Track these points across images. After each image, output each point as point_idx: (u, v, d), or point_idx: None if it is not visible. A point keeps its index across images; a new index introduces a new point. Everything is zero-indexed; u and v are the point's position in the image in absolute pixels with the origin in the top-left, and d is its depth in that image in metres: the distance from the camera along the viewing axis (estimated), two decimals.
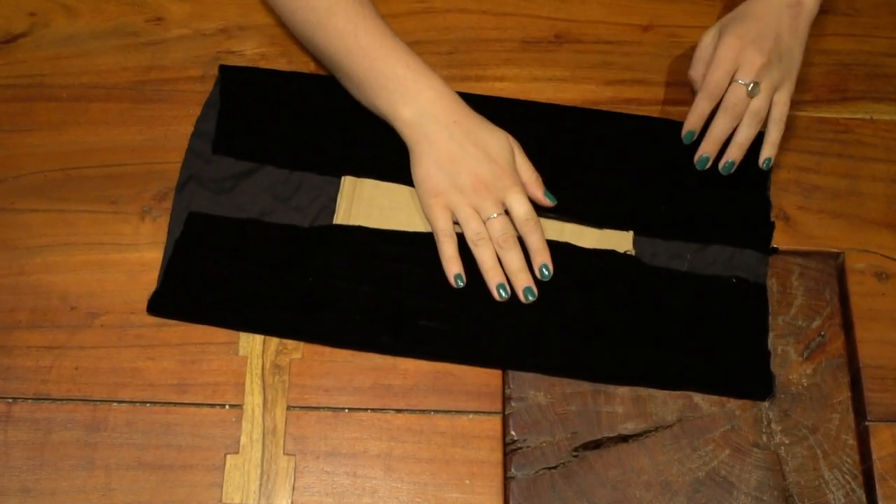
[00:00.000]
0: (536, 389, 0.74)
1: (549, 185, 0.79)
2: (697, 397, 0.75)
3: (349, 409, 0.74)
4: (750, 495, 0.72)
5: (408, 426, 0.73)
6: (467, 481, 0.72)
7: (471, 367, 0.75)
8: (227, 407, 0.73)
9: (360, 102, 0.80)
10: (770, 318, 0.78)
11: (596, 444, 0.73)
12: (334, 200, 0.80)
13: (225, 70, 0.84)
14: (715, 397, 0.75)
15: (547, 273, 0.77)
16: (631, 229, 0.80)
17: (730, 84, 0.79)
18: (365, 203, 0.80)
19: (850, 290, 0.79)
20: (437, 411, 0.74)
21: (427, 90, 0.76)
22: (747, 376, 0.75)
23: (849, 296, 0.79)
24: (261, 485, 0.71)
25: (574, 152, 0.83)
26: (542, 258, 0.77)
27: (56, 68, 0.84)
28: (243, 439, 0.72)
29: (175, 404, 0.73)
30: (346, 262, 0.77)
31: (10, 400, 0.72)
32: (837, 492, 0.72)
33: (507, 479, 0.72)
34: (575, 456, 0.72)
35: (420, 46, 0.85)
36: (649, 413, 0.74)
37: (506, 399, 0.74)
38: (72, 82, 0.84)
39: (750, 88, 0.78)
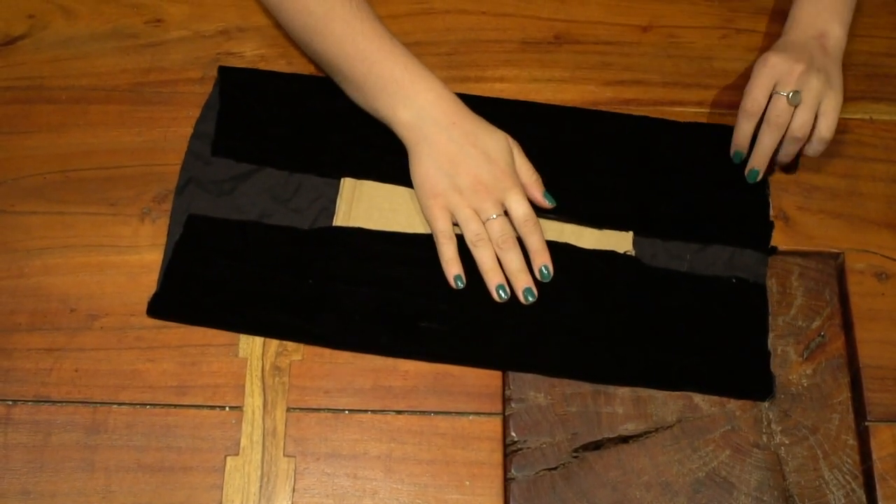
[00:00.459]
0: (536, 390, 0.74)
1: (549, 185, 0.79)
2: (697, 398, 0.75)
3: (349, 410, 0.74)
4: (750, 496, 0.72)
5: (408, 427, 0.73)
6: (467, 482, 0.72)
7: (471, 368, 0.75)
8: (227, 409, 0.73)
9: (360, 105, 0.80)
10: (770, 318, 0.78)
11: (596, 445, 0.73)
12: (334, 202, 0.80)
13: (224, 71, 0.84)
14: (715, 398, 0.75)
15: (547, 274, 0.77)
16: (631, 230, 0.80)
17: (770, 98, 0.79)
18: (364, 205, 0.80)
19: (849, 291, 0.79)
20: (437, 413, 0.74)
21: (426, 92, 0.76)
22: (747, 377, 0.75)
23: (849, 296, 0.79)
24: (261, 486, 0.71)
25: (574, 153, 0.83)
26: (541, 259, 0.77)
27: (55, 70, 0.84)
28: (243, 441, 0.72)
29: (175, 406, 0.73)
30: (346, 264, 0.77)
31: (10, 402, 0.72)
32: (838, 492, 0.72)
33: (507, 481, 0.72)
34: (575, 457, 0.72)
35: (420, 47, 0.85)
36: (649, 414, 0.74)
37: (506, 400, 0.74)
38: (71, 84, 0.84)
39: (790, 97, 0.78)
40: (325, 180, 0.80)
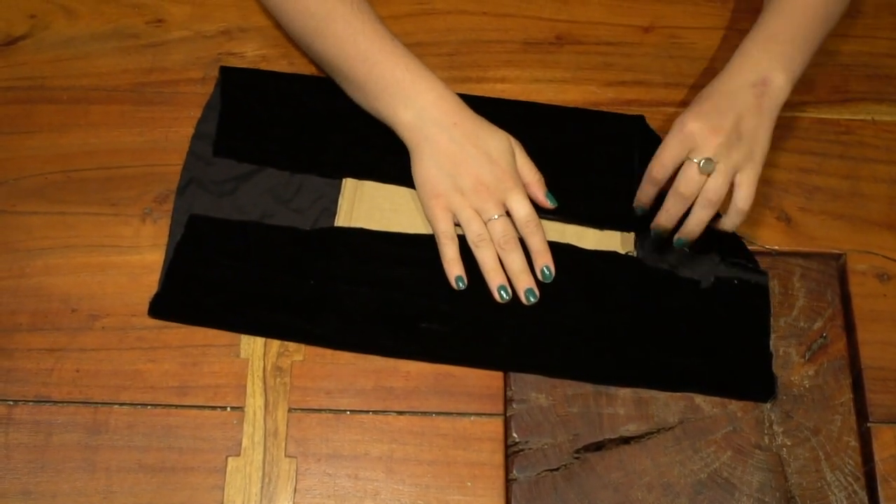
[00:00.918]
0: (538, 391, 0.74)
1: (551, 186, 0.79)
2: (699, 399, 0.75)
3: (351, 411, 0.73)
4: (752, 497, 0.72)
5: (409, 428, 0.73)
6: (469, 483, 0.72)
7: (472, 368, 0.75)
8: (228, 409, 0.73)
9: (361, 106, 0.80)
10: (772, 319, 0.78)
11: (597, 446, 0.73)
12: (335, 202, 0.79)
13: (226, 71, 0.84)
14: (717, 399, 0.75)
15: (548, 274, 0.77)
16: (633, 230, 0.80)
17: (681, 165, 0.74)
18: (366, 205, 0.80)
19: (851, 292, 0.79)
20: (438, 413, 0.74)
21: (427, 92, 0.76)
22: (749, 378, 0.75)
23: (850, 297, 0.79)
24: (262, 487, 0.71)
25: (575, 153, 0.83)
26: (543, 259, 0.77)
27: (56, 70, 0.84)
28: (245, 442, 0.72)
29: (176, 407, 0.73)
30: (348, 265, 0.77)
31: (11, 402, 0.72)
32: (839, 493, 0.72)
33: (508, 482, 0.72)
34: (576, 458, 0.72)
35: (421, 48, 0.85)
36: (651, 415, 0.74)
37: (507, 401, 0.74)
38: (72, 84, 0.84)
39: (702, 164, 0.72)
40: (326, 181, 0.80)
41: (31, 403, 0.72)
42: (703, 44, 0.89)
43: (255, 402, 0.73)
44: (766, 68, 0.75)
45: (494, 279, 0.76)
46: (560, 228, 0.80)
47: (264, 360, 0.74)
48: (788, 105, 0.85)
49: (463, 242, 0.77)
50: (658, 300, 0.77)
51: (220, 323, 0.75)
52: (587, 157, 0.83)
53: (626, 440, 0.73)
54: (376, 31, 0.77)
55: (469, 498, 0.71)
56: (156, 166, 0.80)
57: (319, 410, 0.73)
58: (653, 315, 0.77)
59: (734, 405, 0.75)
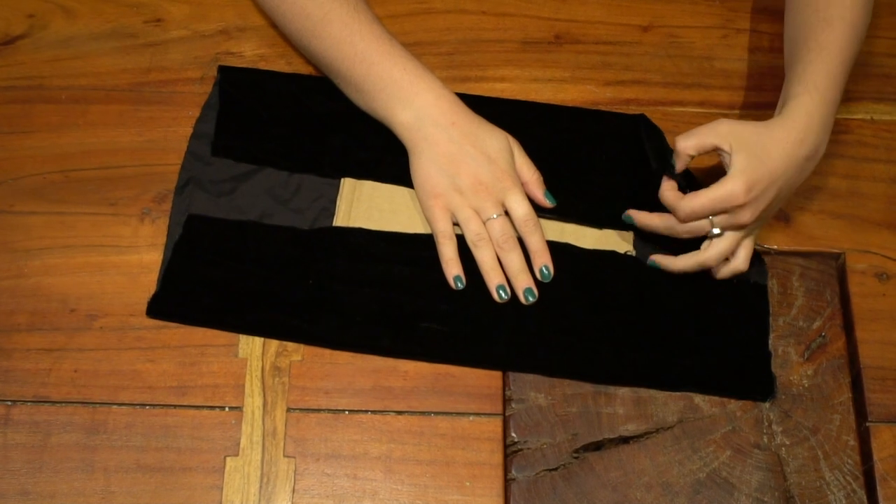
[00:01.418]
0: (537, 391, 0.74)
1: (549, 185, 0.79)
2: (698, 398, 0.75)
3: (349, 411, 0.73)
4: (751, 496, 0.72)
5: (408, 428, 0.73)
6: (468, 483, 0.72)
7: (471, 368, 0.75)
8: (226, 409, 0.73)
9: (359, 106, 0.80)
10: (771, 318, 0.78)
11: (597, 446, 0.73)
12: (334, 202, 0.79)
13: (224, 71, 0.84)
14: (716, 398, 0.75)
15: (547, 274, 0.77)
16: (631, 230, 0.80)
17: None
18: (365, 205, 0.80)
19: (850, 291, 0.79)
20: (437, 413, 0.74)
21: (425, 92, 0.76)
22: (748, 377, 0.75)
23: (849, 296, 0.78)
24: (261, 487, 0.71)
25: (574, 153, 0.83)
26: (542, 259, 0.77)
27: (55, 70, 0.84)
28: (243, 442, 0.72)
29: (175, 406, 0.73)
30: (346, 264, 0.77)
31: (10, 402, 0.72)
32: (838, 493, 0.72)
33: (507, 481, 0.72)
34: (575, 457, 0.72)
35: (420, 47, 0.85)
36: (650, 414, 0.74)
37: (506, 401, 0.74)
38: (71, 84, 0.84)
39: (714, 234, 0.73)
40: (325, 180, 0.80)
41: (29, 403, 0.72)
42: (701, 43, 0.89)
43: (253, 401, 0.73)
44: (821, 139, 0.74)
45: (493, 279, 0.76)
46: (559, 228, 0.80)
47: (263, 360, 0.74)
48: None
49: (462, 242, 0.77)
50: (657, 299, 0.77)
51: (219, 323, 0.75)
52: (586, 156, 0.83)
53: (625, 440, 0.73)
54: (374, 31, 0.77)
55: (468, 498, 0.71)
56: (154, 166, 0.80)
57: (318, 410, 0.73)
58: (652, 314, 0.77)
59: (733, 405, 0.75)
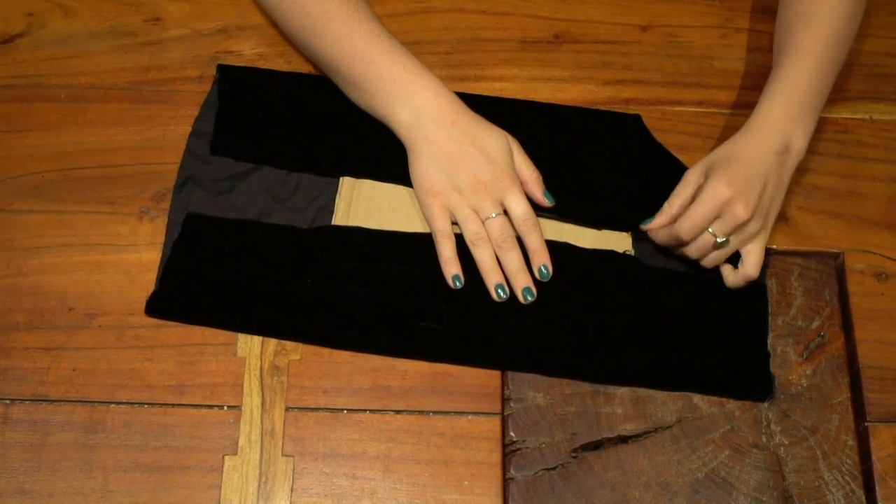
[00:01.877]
0: (535, 390, 0.74)
1: (548, 184, 0.79)
2: (697, 398, 0.75)
3: (348, 410, 0.73)
4: (749, 496, 0.72)
5: (407, 427, 0.73)
6: (466, 482, 0.72)
7: (470, 367, 0.75)
8: (225, 408, 0.73)
9: (358, 105, 0.80)
10: (769, 318, 0.77)
11: (595, 445, 0.73)
12: (333, 201, 0.79)
13: (223, 70, 0.84)
14: (714, 398, 0.75)
15: (546, 273, 0.77)
16: (630, 229, 0.80)
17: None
18: (363, 204, 0.80)
19: (849, 291, 0.79)
20: (436, 412, 0.74)
21: (424, 91, 0.76)
22: (747, 377, 0.75)
23: (848, 296, 0.78)
24: (259, 486, 0.71)
25: (573, 152, 0.83)
26: (541, 258, 0.77)
27: (54, 69, 0.84)
28: (242, 440, 0.72)
29: (173, 405, 0.73)
30: (345, 263, 0.77)
31: (8, 401, 0.72)
32: (837, 492, 0.72)
33: (506, 481, 0.72)
34: (574, 457, 0.72)
35: (419, 46, 0.85)
36: (649, 414, 0.74)
37: (505, 400, 0.74)
38: (69, 83, 0.84)
39: (719, 242, 0.74)
40: (324, 179, 0.80)
41: (27, 402, 0.72)
42: (701, 43, 0.89)
43: (252, 400, 0.73)
44: (788, 133, 0.76)
45: (492, 278, 0.76)
46: (558, 227, 0.80)
47: (261, 359, 0.74)
48: None
49: (461, 241, 0.77)
50: (656, 299, 0.77)
51: (217, 322, 0.75)
52: (585, 155, 0.83)
53: (623, 439, 0.73)
54: (373, 29, 0.77)
55: (466, 497, 0.71)
56: (153, 165, 0.80)
57: (317, 409, 0.73)
58: (650, 314, 0.77)
59: (732, 404, 0.75)
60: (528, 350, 0.75)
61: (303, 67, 0.85)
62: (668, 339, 0.76)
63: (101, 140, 0.81)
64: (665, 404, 0.74)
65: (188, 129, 0.82)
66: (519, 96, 0.85)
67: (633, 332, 0.76)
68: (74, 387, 0.73)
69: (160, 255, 0.77)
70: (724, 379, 0.75)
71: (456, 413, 0.74)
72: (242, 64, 0.85)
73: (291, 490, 0.71)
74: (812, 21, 0.78)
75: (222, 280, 0.76)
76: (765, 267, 0.79)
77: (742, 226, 0.74)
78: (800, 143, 0.77)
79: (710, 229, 0.74)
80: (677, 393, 0.75)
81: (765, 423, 0.74)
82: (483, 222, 0.76)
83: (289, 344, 0.75)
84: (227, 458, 0.71)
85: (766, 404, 0.75)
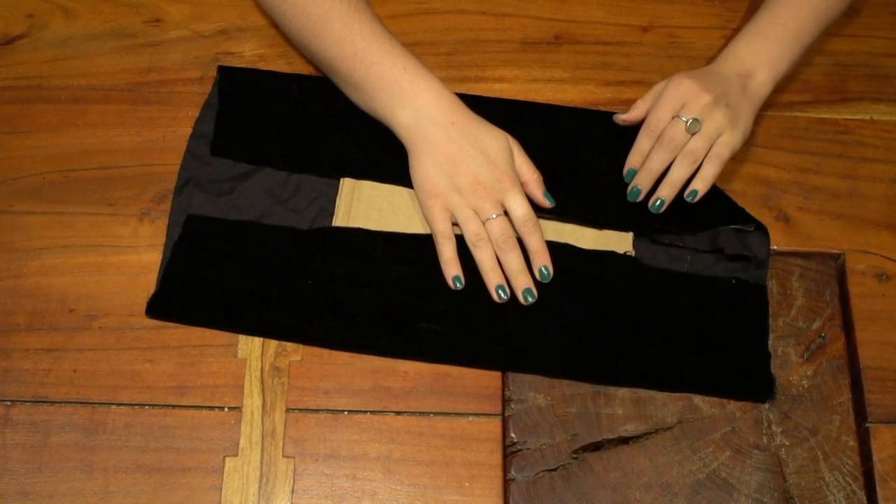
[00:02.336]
0: (536, 391, 0.74)
1: (549, 185, 0.79)
2: (697, 399, 0.75)
3: (348, 411, 0.73)
4: (750, 497, 0.72)
5: (407, 428, 0.73)
6: (467, 483, 0.72)
7: (470, 368, 0.75)
8: (225, 409, 0.73)
9: (359, 106, 0.80)
10: (770, 319, 0.77)
11: (596, 446, 0.73)
12: (333, 202, 0.79)
13: (224, 71, 0.84)
14: (715, 399, 0.75)
15: (546, 274, 0.77)
16: (631, 230, 0.80)
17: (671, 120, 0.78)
18: (364, 205, 0.80)
19: (850, 292, 0.79)
20: (436, 413, 0.74)
21: (425, 92, 0.76)
22: (747, 378, 0.75)
23: (849, 297, 0.78)
24: (260, 487, 0.71)
25: (573, 153, 0.83)
26: (541, 259, 0.77)
27: (54, 70, 0.84)
28: (242, 442, 0.72)
29: (174, 407, 0.73)
30: (346, 265, 0.77)
31: (9, 402, 0.72)
32: (838, 493, 0.72)
33: (506, 482, 0.72)
34: (575, 458, 0.72)
35: (419, 47, 0.85)
36: (649, 415, 0.74)
37: (505, 401, 0.74)
38: (70, 84, 0.84)
39: (689, 124, 0.77)
40: (324, 180, 0.80)
41: (28, 404, 0.72)
42: (701, 43, 0.89)
43: (252, 402, 0.73)
44: (752, 64, 0.80)
45: (492, 279, 0.76)
46: (558, 228, 0.80)
47: (262, 361, 0.74)
48: (787, 105, 0.86)
49: (461, 242, 0.77)
50: (656, 300, 0.77)
51: (218, 323, 0.75)
52: (585, 156, 0.83)
53: (624, 440, 0.73)
54: (374, 30, 0.77)
55: (467, 498, 0.71)
56: (153, 166, 0.80)
57: (317, 411, 0.73)
58: (651, 315, 0.77)
59: (733, 405, 0.75)
60: (528, 351, 0.75)
61: (303, 69, 0.85)
62: (669, 340, 0.76)
63: (101, 141, 0.81)
64: (666, 405, 0.74)
65: (188, 131, 0.82)
66: (519, 97, 0.85)
67: (633, 333, 0.76)
68: (75, 388, 0.73)
69: (161, 257, 0.77)
70: (725, 380, 0.75)
71: (456, 414, 0.74)
72: (243, 65, 0.85)
73: (292, 491, 0.71)
74: None
75: (223, 281, 0.76)
76: (766, 268, 0.79)
77: (707, 108, 0.77)
78: (762, 74, 0.80)
79: (680, 117, 0.77)
80: (678, 394, 0.75)
81: (766, 424, 0.74)
82: (483, 223, 0.76)
83: (289, 345, 0.75)
84: (227, 459, 0.71)
85: (766, 405, 0.75)
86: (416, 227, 0.79)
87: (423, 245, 0.78)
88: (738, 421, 0.74)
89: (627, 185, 0.80)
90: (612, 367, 0.75)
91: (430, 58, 0.85)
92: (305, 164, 0.80)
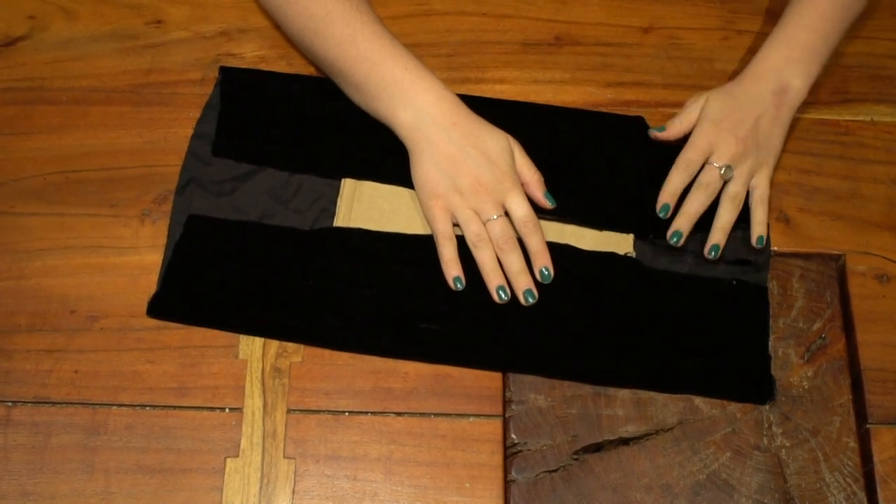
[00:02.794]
0: (537, 392, 0.74)
1: (550, 186, 0.79)
2: (698, 400, 0.75)
3: (349, 412, 0.73)
4: (751, 498, 0.72)
5: (408, 429, 0.73)
6: (468, 485, 0.72)
7: (471, 369, 0.75)
8: (227, 410, 0.73)
9: (360, 107, 0.80)
10: (770, 320, 0.77)
11: (596, 447, 0.73)
12: (334, 203, 0.79)
13: (225, 71, 0.84)
14: (716, 400, 0.75)
15: (547, 275, 0.77)
16: (631, 231, 0.80)
17: (704, 165, 0.79)
18: (365, 205, 0.80)
19: (850, 293, 0.79)
20: (437, 414, 0.74)
21: (426, 93, 0.76)
22: (748, 379, 0.75)
23: (850, 298, 0.78)
24: (261, 488, 0.71)
25: (574, 154, 0.83)
26: (542, 260, 0.77)
27: (55, 71, 0.84)
28: (243, 443, 0.72)
29: (175, 408, 0.73)
30: (347, 265, 0.77)
31: (10, 403, 0.72)
32: (839, 494, 0.72)
33: (507, 483, 0.72)
34: (575, 459, 0.72)
35: (420, 49, 0.85)
36: (650, 416, 0.74)
37: (506, 402, 0.74)
38: (71, 85, 0.84)
39: (723, 171, 0.78)
40: (325, 181, 0.80)
41: (29, 404, 0.72)
42: (702, 45, 0.89)
43: (253, 403, 0.73)
44: (786, 75, 0.80)
45: (493, 280, 0.76)
46: (559, 229, 0.80)
47: (263, 361, 0.74)
48: None
49: (462, 243, 0.77)
50: (656, 301, 0.77)
51: (219, 323, 0.75)
52: (586, 157, 0.83)
53: (624, 441, 0.73)
54: (375, 31, 0.77)
55: (468, 499, 0.71)
56: (155, 167, 0.80)
57: (318, 411, 0.73)
58: (651, 316, 0.77)
59: (733, 406, 0.75)
60: (529, 352, 0.75)
61: (304, 69, 0.85)
62: (669, 342, 0.76)
63: (102, 142, 0.81)
64: (666, 406, 0.74)
65: (190, 132, 0.82)
66: (520, 98, 0.85)
67: (634, 333, 0.76)
68: (76, 389, 0.73)
69: (162, 257, 0.77)
70: (726, 381, 0.75)
71: (457, 415, 0.74)
72: (244, 66, 0.85)
73: (293, 492, 0.71)
74: None
75: (224, 282, 0.76)
76: (766, 269, 0.79)
77: (737, 157, 0.78)
78: (798, 83, 0.80)
79: (712, 162, 0.78)
80: (678, 395, 0.75)
81: (766, 425, 0.74)
82: (484, 224, 0.76)
83: (290, 346, 0.75)
84: (228, 460, 0.71)
85: (767, 406, 0.75)
86: (416, 227, 0.79)
87: (424, 246, 0.78)
88: (738, 422, 0.74)
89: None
90: (613, 368, 0.75)
91: (431, 59, 0.85)
92: (307, 165, 0.80)
